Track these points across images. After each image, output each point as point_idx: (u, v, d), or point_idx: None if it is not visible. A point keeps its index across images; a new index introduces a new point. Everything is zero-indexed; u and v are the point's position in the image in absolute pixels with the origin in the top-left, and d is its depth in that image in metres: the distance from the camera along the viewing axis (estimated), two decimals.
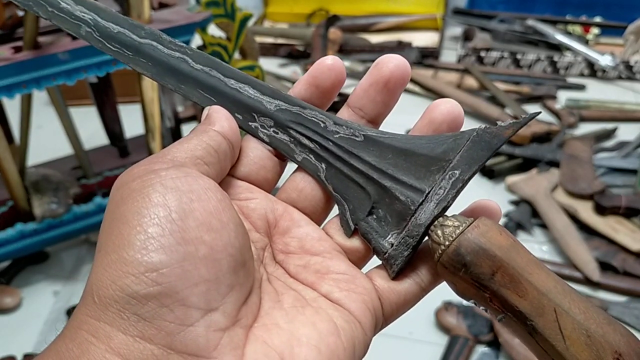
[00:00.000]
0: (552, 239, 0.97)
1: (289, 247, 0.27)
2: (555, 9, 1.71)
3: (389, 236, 0.26)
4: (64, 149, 1.02)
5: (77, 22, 0.28)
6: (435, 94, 1.38)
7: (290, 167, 0.29)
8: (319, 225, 0.28)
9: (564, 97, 1.40)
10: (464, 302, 0.83)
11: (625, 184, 1.08)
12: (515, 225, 1.00)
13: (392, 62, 0.27)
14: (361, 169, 0.27)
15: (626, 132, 1.25)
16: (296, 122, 0.28)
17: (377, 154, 0.27)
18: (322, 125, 0.27)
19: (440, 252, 0.24)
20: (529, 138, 1.17)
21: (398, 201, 0.26)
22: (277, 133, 0.28)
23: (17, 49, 0.75)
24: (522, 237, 0.99)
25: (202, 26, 0.86)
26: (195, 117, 1.28)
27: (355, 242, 0.27)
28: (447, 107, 0.27)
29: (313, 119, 0.28)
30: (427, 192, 0.26)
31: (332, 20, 1.55)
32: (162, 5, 0.90)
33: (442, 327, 0.81)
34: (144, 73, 0.28)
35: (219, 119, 0.26)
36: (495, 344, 0.80)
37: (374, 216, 0.27)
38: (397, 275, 0.26)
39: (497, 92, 1.37)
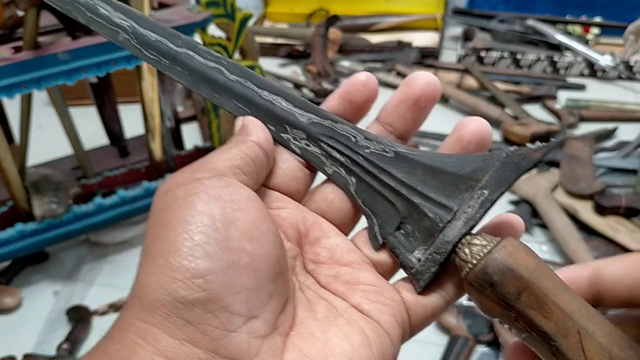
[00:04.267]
0: (552, 238, 0.97)
1: (319, 257, 0.27)
2: (555, 9, 1.71)
3: (416, 251, 0.27)
4: (64, 149, 1.02)
5: (115, 28, 0.29)
6: None
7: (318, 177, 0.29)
8: (347, 236, 0.29)
9: (564, 97, 1.40)
10: (464, 302, 0.83)
11: (625, 184, 1.08)
12: None
13: (423, 80, 0.27)
14: (391, 185, 0.27)
15: (626, 132, 1.25)
16: (328, 135, 0.28)
17: (406, 170, 0.27)
18: (353, 139, 0.28)
19: (467, 270, 0.25)
20: (529, 138, 1.17)
21: (426, 218, 0.26)
22: (309, 145, 0.28)
23: (17, 49, 0.75)
24: (522, 237, 0.98)
25: (202, 26, 0.86)
26: (196, 117, 1.28)
27: (382, 256, 0.28)
28: (476, 126, 0.27)
29: (344, 133, 0.28)
30: (455, 210, 0.26)
31: (332, 20, 1.55)
32: (162, 5, 0.90)
33: (442, 327, 0.81)
34: (179, 81, 0.29)
35: (255, 129, 0.27)
36: (495, 344, 0.80)
37: (402, 231, 0.27)
38: (423, 290, 0.27)
39: (497, 92, 1.37)
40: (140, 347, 0.21)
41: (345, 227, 0.29)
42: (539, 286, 0.23)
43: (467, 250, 0.25)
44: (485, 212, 0.26)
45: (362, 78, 0.28)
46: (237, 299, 0.22)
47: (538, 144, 0.26)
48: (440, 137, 1.21)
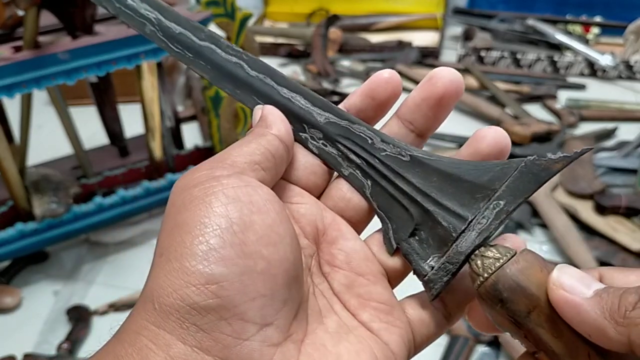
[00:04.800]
0: (552, 238, 0.97)
1: (336, 260, 0.27)
2: (556, 9, 1.71)
3: (430, 259, 0.26)
4: (64, 149, 1.02)
5: (142, 20, 0.28)
6: None
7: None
8: (362, 231, 0.29)
9: (564, 96, 1.40)
10: None
11: (625, 183, 1.08)
12: (515, 225, 1.00)
13: (447, 77, 0.27)
14: (405, 190, 0.27)
15: (626, 131, 1.25)
16: (344, 136, 0.28)
17: (422, 175, 0.27)
18: (369, 141, 0.27)
19: (478, 283, 0.24)
20: (529, 138, 1.17)
21: (440, 226, 0.26)
22: (326, 146, 0.28)
23: (17, 49, 0.75)
24: (523, 237, 0.99)
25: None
26: (196, 117, 1.28)
27: (395, 261, 0.28)
28: (494, 137, 0.26)
29: (361, 134, 0.27)
30: (469, 220, 0.25)
31: (332, 19, 1.55)
32: None
33: None
34: (203, 76, 0.28)
35: (275, 121, 0.26)
36: (495, 344, 0.80)
37: (416, 237, 0.27)
38: (435, 298, 0.26)
39: (497, 91, 1.37)
40: (151, 352, 0.21)
41: (361, 225, 0.29)
42: (550, 305, 0.22)
43: (479, 263, 0.24)
44: (501, 223, 0.25)
45: (385, 75, 0.27)
46: (252, 306, 0.21)
47: (559, 154, 0.25)
48: (439, 136, 1.21)
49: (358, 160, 0.28)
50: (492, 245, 0.25)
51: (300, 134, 0.28)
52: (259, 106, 0.27)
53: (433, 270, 0.26)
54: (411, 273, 0.28)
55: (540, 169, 0.25)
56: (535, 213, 1.02)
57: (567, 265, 0.23)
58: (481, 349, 0.80)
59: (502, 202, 0.25)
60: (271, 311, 0.22)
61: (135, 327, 0.22)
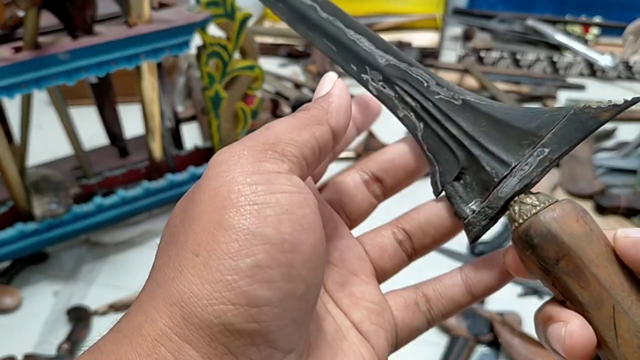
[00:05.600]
0: None
1: (331, 255, 0.27)
2: (555, 9, 1.71)
3: (472, 203, 0.27)
4: (64, 149, 1.02)
5: None
6: None
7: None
8: (354, 227, 0.29)
9: (563, 97, 1.40)
10: None
11: (625, 184, 1.08)
12: None
13: None
14: (454, 134, 0.27)
15: (626, 132, 1.25)
16: (402, 78, 0.28)
17: (472, 120, 0.27)
18: (425, 84, 0.28)
19: (513, 228, 0.25)
20: None
21: (483, 171, 0.26)
22: (384, 88, 0.29)
23: (17, 49, 0.75)
24: None
25: (202, 26, 0.86)
26: (196, 117, 1.28)
27: (385, 261, 0.28)
28: None
29: (418, 77, 0.28)
30: (512, 166, 0.26)
31: None
32: (162, 5, 0.90)
33: (442, 327, 0.81)
34: (281, 18, 0.29)
35: (339, 110, 0.25)
36: (495, 344, 0.80)
37: (461, 181, 0.27)
38: (473, 242, 0.26)
39: (497, 92, 1.37)
40: None
41: (356, 222, 0.29)
42: (580, 255, 0.23)
43: (517, 208, 0.25)
44: (543, 171, 0.25)
45: None
46: (284, 334, 0.20)
47: (610, 102, 0.25)
48: None
49: (413, 103, 0.28)
50: (533, 193, 0.25)
51: (363, 75, 0.29)
52: (332, 75, 0.26)
53: (473, 214, 0.26)
54: (395, 275, 0.29)
55: (588, 117, 0.25)
56: None
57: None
58: (481, 349, 0.80)
59: (546, 150, 0.25)
60: (297, 337, 0.21)
61: (155, 333, 0.19)
